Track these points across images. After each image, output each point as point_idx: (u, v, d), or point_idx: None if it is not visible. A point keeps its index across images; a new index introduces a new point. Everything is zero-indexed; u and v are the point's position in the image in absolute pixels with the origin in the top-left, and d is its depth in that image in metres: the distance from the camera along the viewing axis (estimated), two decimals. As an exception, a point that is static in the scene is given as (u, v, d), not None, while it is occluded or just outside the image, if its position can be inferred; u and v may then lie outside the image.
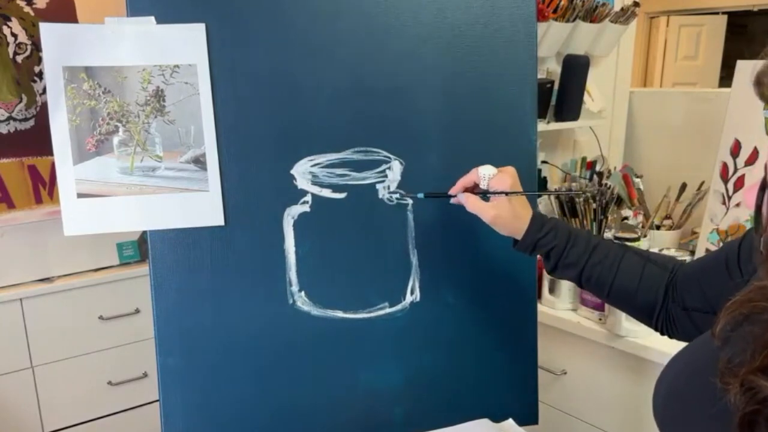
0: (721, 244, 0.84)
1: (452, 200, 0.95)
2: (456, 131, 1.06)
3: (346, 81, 1.01)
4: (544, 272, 1.61)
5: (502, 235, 1.11)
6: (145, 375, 2.00)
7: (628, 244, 0.94)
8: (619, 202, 1.79)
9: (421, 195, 0.99)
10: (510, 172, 0.91)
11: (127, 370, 1.97)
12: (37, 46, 1.74)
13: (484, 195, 0.91)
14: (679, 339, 0.85)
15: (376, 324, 1.06)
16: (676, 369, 0.62)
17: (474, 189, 0.93)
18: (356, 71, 1.01)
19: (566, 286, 1.58)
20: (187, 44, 0.94)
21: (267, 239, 1.00)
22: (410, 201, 1.05)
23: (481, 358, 1.11)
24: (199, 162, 0.97)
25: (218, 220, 0.98)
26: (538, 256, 0.94)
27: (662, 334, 0.87)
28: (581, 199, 1.70)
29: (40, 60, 1.73)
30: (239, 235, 0.99)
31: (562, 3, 1.73)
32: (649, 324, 0.88)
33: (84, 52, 0.92)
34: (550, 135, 2.01)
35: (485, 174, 0.91)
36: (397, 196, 1.03)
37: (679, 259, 0.91)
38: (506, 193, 0.89)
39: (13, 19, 1.69)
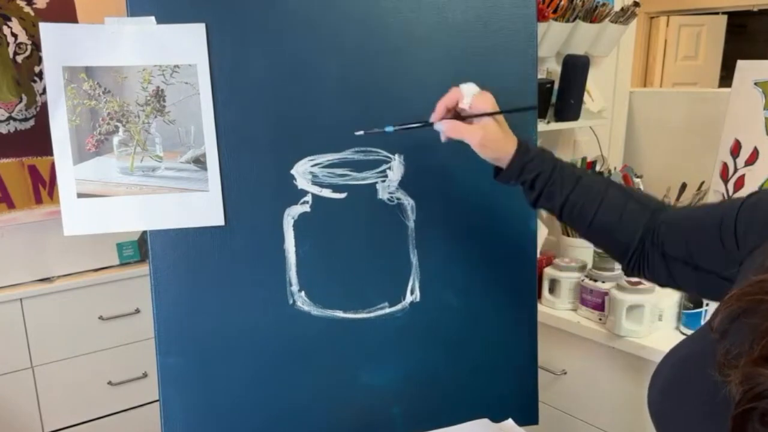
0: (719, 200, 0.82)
1: (443, 137, 0.86)
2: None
3: (346, 81, 1.01)
4: (545, 272, 1.62)
5: (503, 234, 1.11)
6: (145, 375, 2.00)
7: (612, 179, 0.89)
8: (619, 202, 1.79)
9: (390, 128, 0.90)
10: (490, 94, 0.85)
11: (127, 370, 1.97)
12: (37, 46, 1.73)
13: (466, 119, 0.84)
14: (647, 280, 0.83)
15: (376, 324, 1.06)
16: (673, 362, 0.62)
17: (452, 114, 0.86)
18: (356, 71, 1.01)
19: (566, 286, 1.58)
20: (187, 44, 0.94)
21: (267, 239, 1.00)
22: (412, 201, 1.04)
23: (481, 357, 1.11)
24: (199, 162, 0.97)
25: (218, 220, 0.98)
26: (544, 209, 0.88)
27: (629, 274, 0.85)
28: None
29: (40, 60, 1.73)
30: (239, 235, 0.99)
31: (562, 3, 1.73)
32: (620, 262, 0.85)
33: (84, 52, 0.92)
34: (550, 135, 2.00)
35: (468, 91, 0.83)
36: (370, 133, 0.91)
37: (665, 201, 0.88)
38: (490, 114, 0.83)
39: (13, 19, 1.69)
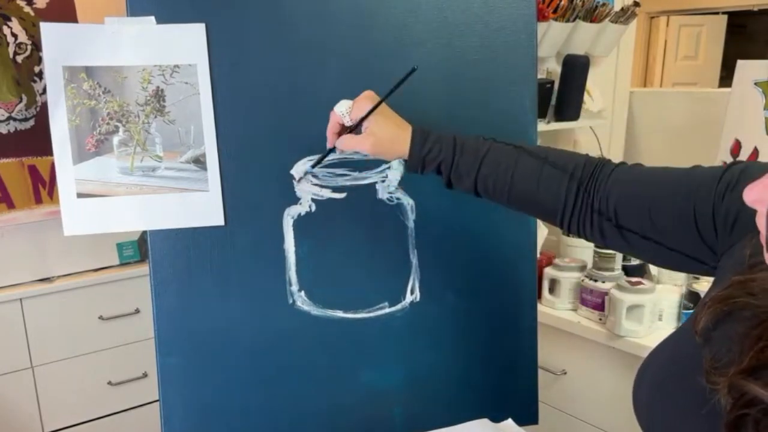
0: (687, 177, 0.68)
1: (337, 151, 0.91)
2: (456, 131, 1.05)
3: (346, 81, 1.01)
4: (545, 272, 1.62)
5: (503, 234, 1.11)
6: (145, 375, 2.00)
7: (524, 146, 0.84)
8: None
9: (310, 169, 0.98)
10: (366, 95, 0.86)
11: (127, 370, 1.97)
12: (37, 46, 1.74)
13: (356, 130, 0.87)
14: (599, 244, 0.79)
15: (376, 324, 1.06)
16: (658, 365, 0.62)
17: (344, 131, 0.89)
18: (356, 71, 1.01)
19: (566, 286, 1.58)
20: (187, 44, 0.94)
21: (267, 239, 1.00)
22: (412, 202, 1.04)
23: (481, 357, 1.11)
24: (199, 162, 0.97)
25: (218, 220, 0.98)
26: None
27: (570, 234, 0.81)
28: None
29: (40, 60, 1.73)
30: (239, 235, 0.99)
31: (562, 3, 1.73)
32: (556, 225, 0.82)
33: (84, 52, 0.92)
34: (550, 135, 2.00)
35: (342, 111, 0.87)
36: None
37: (594, 158, 0.79)
38: (369, 113, 0.84)
39: (13, 19, 1.69)
